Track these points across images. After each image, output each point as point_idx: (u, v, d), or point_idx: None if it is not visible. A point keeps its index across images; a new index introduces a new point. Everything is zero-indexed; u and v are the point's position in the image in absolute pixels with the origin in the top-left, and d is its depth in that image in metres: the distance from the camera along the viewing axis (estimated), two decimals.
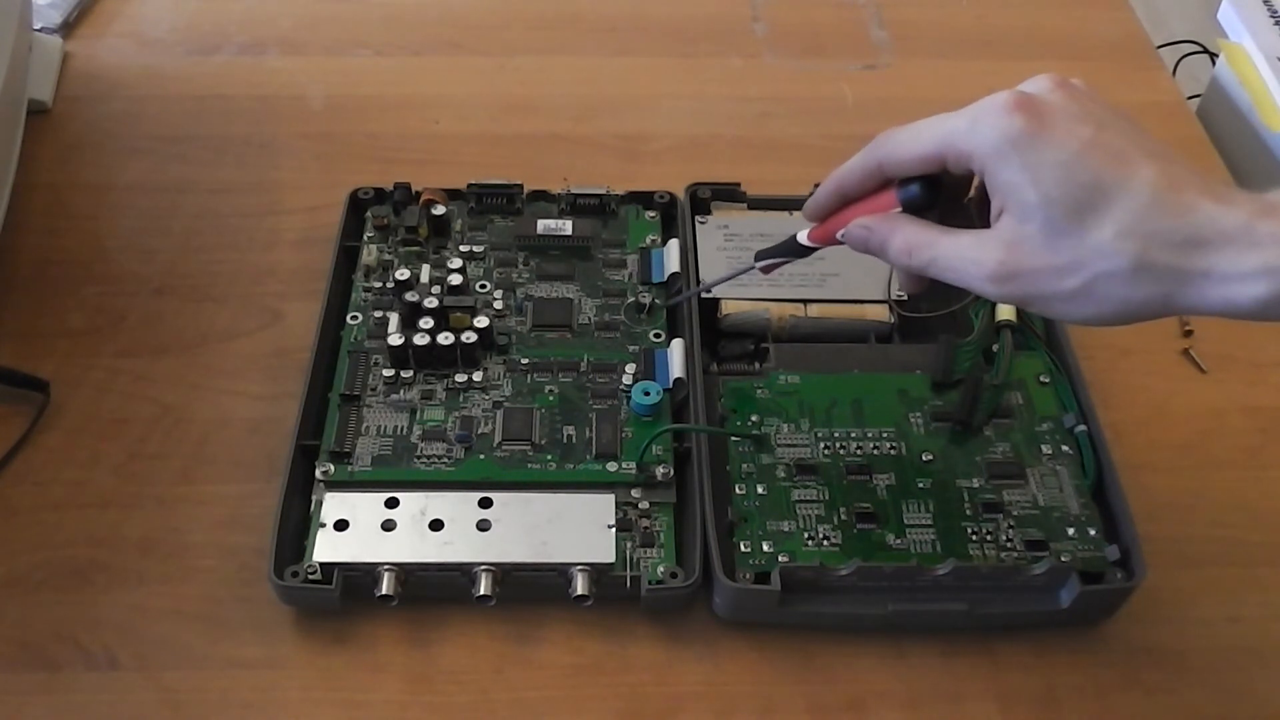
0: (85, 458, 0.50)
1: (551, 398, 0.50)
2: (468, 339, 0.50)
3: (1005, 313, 0.52)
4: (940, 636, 0.45)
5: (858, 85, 0.70)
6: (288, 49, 0.71)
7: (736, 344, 0.53)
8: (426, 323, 0.50)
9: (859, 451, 0.48)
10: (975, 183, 0.40)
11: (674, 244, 0.55)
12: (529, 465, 0.48)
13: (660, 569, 0.45)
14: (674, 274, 0.54)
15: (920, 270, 0.39)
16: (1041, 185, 0.35)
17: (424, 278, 0.54)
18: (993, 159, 0.36)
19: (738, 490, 0.47)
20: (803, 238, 0.44)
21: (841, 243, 0.42)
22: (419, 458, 0.48)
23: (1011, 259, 0.36)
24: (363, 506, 0.46)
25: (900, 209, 0.40)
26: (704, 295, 0.52)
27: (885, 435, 0.49)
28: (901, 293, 0.53)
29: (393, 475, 0.47)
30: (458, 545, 0.45)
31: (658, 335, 0.53)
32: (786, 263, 0.46)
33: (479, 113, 0.67)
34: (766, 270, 0.47)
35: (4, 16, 0.58)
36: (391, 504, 0.46)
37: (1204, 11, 0.85)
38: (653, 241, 0.57)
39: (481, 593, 0.44)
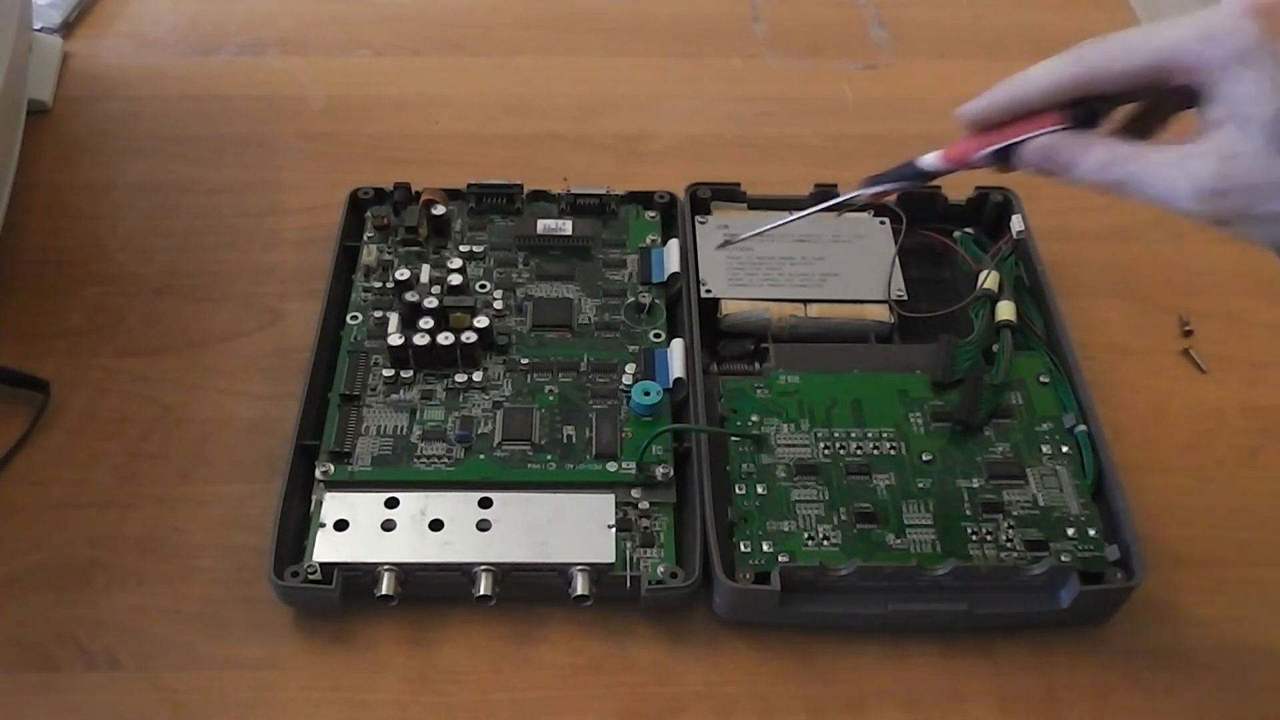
0: (85, 458, 0.50)
1: (551, 398, 0.50)
2: (468, 339, 0.50)
3: (1005, 313, 0.52)
4: (940, 636, 0.45)
5: (858, 85, 0.70)
6: (288, 49, 0.71)
7: (736, 344, 0.53)
8: (426, 323, 0.50)
9: (859, 451, 0.48)
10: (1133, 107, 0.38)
11: (674, 244, 0.55)
12: (529, 465, 0.48)
13: (660, 569, 0.45)
14: (674, 274, 0.54)
15: (1109, 188, 0.37)
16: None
17: (424, 278, 0.54)
18: (1225, 69, 0.34)
19: (738, 490, 0.47)
20: (931, 161, 0.41)
21: (971, 167, 0.40)
22: (419, 458, 0.48)
23: (1229, 171, 0.34)
24: (363, 506, 0.46)
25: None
26: (736, 241, 0.52)
27: (885, 435, 0.49)
28: (901, 293, 0.54)
29: (393, 475, 0.47)
30: (458, 545, 0.45)
31: (658, 335, 0.53)
32: (898, 190, 0.43)
33: (479, 113, 0.67)
34: (876, 197, 0.43)
35: (4, 16, 0.58)
36: (391, 504, 0.46)
37: None
38: (653, 241, 0.57)
39: (481, 593, 0.44)
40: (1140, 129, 0.40)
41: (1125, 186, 0.36)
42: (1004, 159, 0.39)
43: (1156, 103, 0.39)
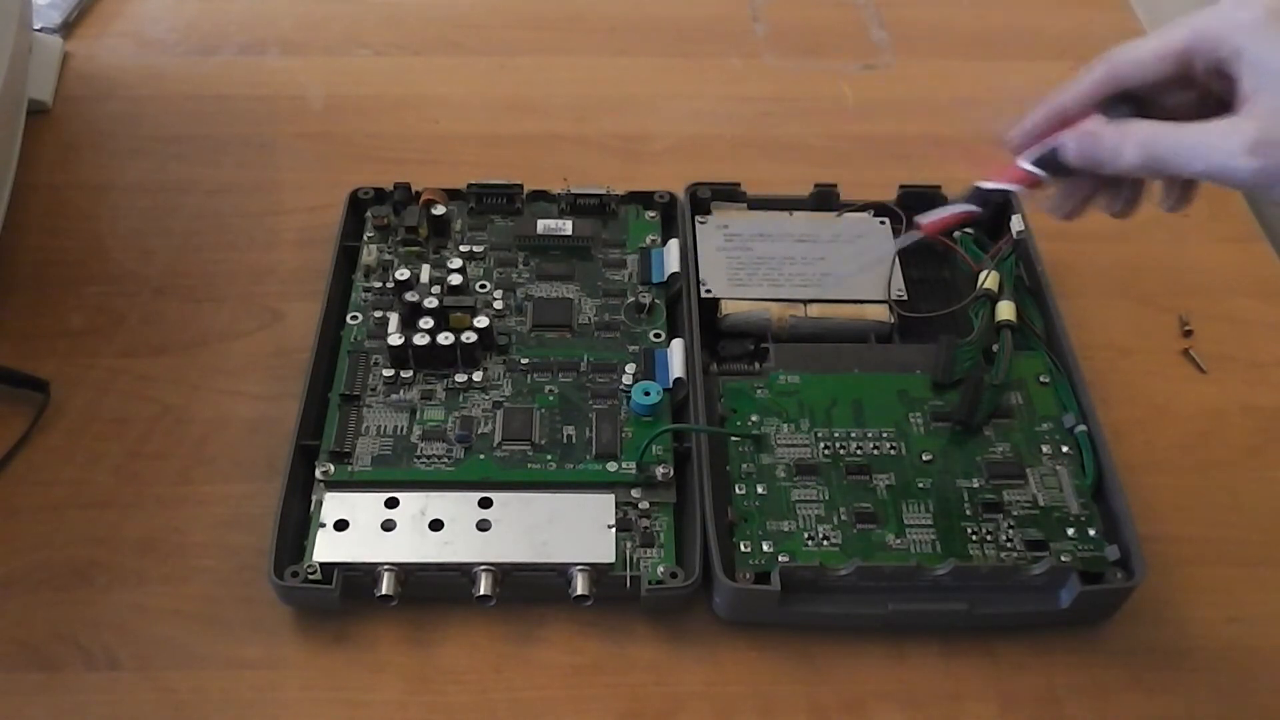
0: (85, 458, 0.50)
1: (551, 398, 0.50)
2: (468, 339, 0.50)
3: (1005, 313, 0.52)
4: (940, 636, 0.45)
5: (858, 85, 0.70)
6: (288, 49, 0.71)
7: (736, 344, 0.53)
8: (426, 323, 0.50)
9: (859, 451, 0.48)
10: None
11: (674, 244, 0.55)
12: (529, 465, 0.48)
13: (660, 569, 0.45)
14: (674, 274, 0.54)
15: (1155, 165, 0.37)
16: None
17: (424, 278, 0.54)
18: (1253, 36, 0.35)
19: (738, 490, 0.47)
20: (985, 182, 0.42)
21: (1031, 183, 0.40)
22: (419, 458, 0.48)
23: (1274, 128, 0.35)
24: (363, 506, 0.46)
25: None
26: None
27: (885, 435, 0.49)
28: (901, 293, 0.54)
29: (393, 475, 0.47)
30: (458, 545, 0.45)
31: (658, 335, 0.53)
32: (965, 214, 0.44)
33: (479, 113, 0.67)
34: (942, 224, 0.44)
35: (4, 16, 0.58)
36: (391, 504, 0.46)
37: None
38: (653, 241, 0.57)
39: (481, 593, 0.44)
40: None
41: (1173, 160, 0.37)
42: (1054, 168, 0.39)
43: (1197, 98, 0.39)
